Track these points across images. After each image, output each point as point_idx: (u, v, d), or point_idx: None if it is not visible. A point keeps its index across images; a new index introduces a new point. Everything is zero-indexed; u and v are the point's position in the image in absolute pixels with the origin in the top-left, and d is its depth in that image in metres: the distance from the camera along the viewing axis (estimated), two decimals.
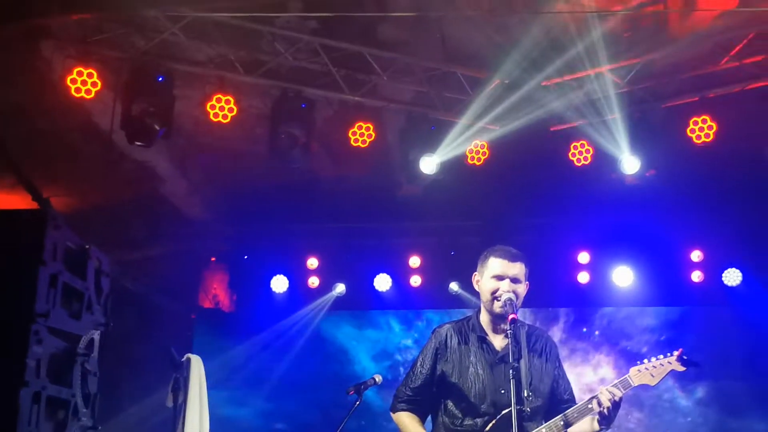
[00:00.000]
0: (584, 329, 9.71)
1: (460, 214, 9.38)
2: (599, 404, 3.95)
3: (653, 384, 4.08)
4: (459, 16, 6.78)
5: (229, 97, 7.00)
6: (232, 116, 7.02)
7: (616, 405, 3.94)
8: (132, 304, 8.69)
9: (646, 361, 4.12)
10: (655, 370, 4.08)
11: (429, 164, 7.58)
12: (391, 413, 4.40)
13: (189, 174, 9.11)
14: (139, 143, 6.81)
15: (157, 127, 6.69)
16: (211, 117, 7.00)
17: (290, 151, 7.29)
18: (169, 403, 5.10)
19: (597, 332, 9.69)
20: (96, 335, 4.20)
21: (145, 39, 6.91)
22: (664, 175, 7.74)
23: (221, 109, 6.98)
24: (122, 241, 8.68)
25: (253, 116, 7.86)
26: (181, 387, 4.16)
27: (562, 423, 3.98)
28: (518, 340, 4.14)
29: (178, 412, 5.88)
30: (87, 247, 4.22)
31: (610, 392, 3.93)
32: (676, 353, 4.10)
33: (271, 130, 7.32)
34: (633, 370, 4.10)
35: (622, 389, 3.98)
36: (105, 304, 4.41)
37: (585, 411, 4.01)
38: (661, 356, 4.12)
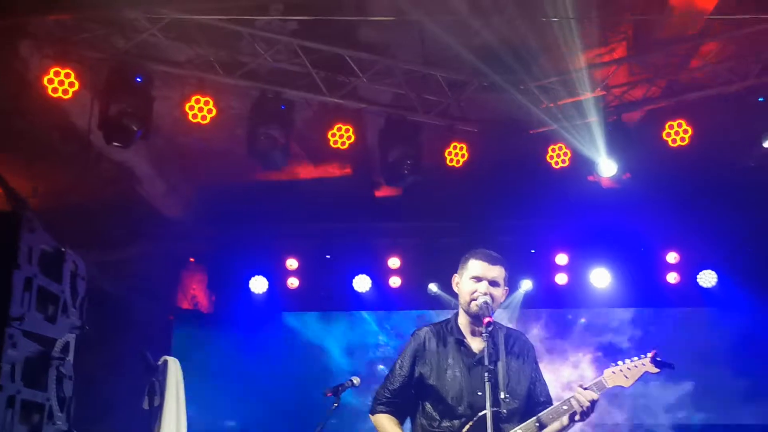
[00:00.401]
0: (562, 330, 9.79)
1: (439, 215, 9.41)
2: (575, 406, 3.99)
3: (627, 385, 4.12)
4: (438, 19, 6.80)
5: (208, 98, 6.97)
6: (211, 117, 6.99)
7: (591, 406, 3.99)
8: (110, 306, 8.63)
9: (620, 362, 4.17)
10: (629, 371, 4.13)
11: None
12: (370, 415, 4.42)
13: (167, 175, 9.08)
14: (116, 144, 6.76)
15: (135, 128, 6.65)
16: (190, 118, 6.97)
17: (269, 152, 7.27)
18: (146, 406, 5.08)
19: (575, 333, 9.78)
20: (71, 339, 4.17)
21: (124, 39, 6.87)
22: (640, 178, 7.82)
23: (200, 110, 6.95)
24: (100, 242, 8.62)
25: (232, 117, 7.84)
26: (156, 390, 4.13)
27: (536, 425, 4.02)
28: (496, 343, 4.19)
29: (154, 415, 5.87)
30: (63, 249, 4.19)
31: (588, 394, 3.97)
32: (649, 355, 4.14)
33: (250, 131, 7.30)
34: (607, 371, 4.15)
35: (597, 391, 4.03)
36: (81, 307, 4.38)
37: (560, 413, 4.05)
38: (636, 358, 4.17)
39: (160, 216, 9.68)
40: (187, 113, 6.96)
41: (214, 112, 6.98)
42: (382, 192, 9.07)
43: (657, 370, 4.12)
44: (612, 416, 9.43)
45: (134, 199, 9.11)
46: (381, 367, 9.67)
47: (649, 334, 9.32)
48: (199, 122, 6.98)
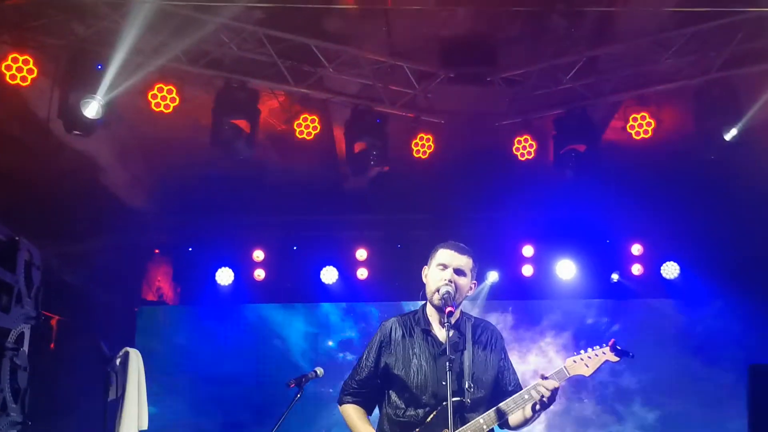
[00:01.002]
0: (528, 320, 9.87)
1: (406, 207, 9.41)
2: (535, 396, 4.02)
3: (588, 374, 4.17)
4: (405, 9, 6.78)
5: (171, 87, 6.88)
6: (174, 106, 6.91)
7: (552, 395, 4.02)
8: (72, 298, 8.51)
9: (582, 352, 4.21)
10: (589, 360, 4.17)
11: None
12: (338, 406, 4.44)
13: (131, 165, 8.93)
14: (77, 133, 6.64)
15: (95, 117, 6.52)
16: (153, 107, 6.88)
17: (234, 143, 7.20)
18: (112, 396, 5.01)
19: (540, 324, 9.86)
20: (26, 329, 4.09)
21: (83, 26, 6.73)
22: (605, 171, 7.89)
23: (163, 98, 6.86)
24: (62, 233, 8.48)
25: (196, 107, 7.72)
26: (113, 381, 4.08)
27: (495, 414, 4.05)
28: (462, 333, 4.21)
29: (115, 407, 5.79)
30: (17, 239, 4.10)
31: (549, 383, 4.00)
32: (609, 344, 4.19)
33: (214, 120, 7.22)
34: (569, 361, 4.19)
35: (558, 380, 4.06)
36: (36, 298, 4.29)
37: (521, 402, 4.08)
38: (597, 347, 4.22)
39: (124, 207, 9.53)
40: (150, 102, 6.87)
41: (178, 101, 6.89)
42: (350, 184, 9.03)
43: (617, 358, 4.17)
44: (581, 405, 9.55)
45: (97, 190, 8.96)
46: (350, 357, 9.65)
47: (613, 325, 9.42)
48: (162, 111, 6.89)
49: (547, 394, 3.97)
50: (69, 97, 6.51)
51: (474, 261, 4.28)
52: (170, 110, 6.91)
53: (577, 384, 9.17)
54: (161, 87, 6.86)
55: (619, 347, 4.16)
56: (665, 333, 9.52)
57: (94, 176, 8.70)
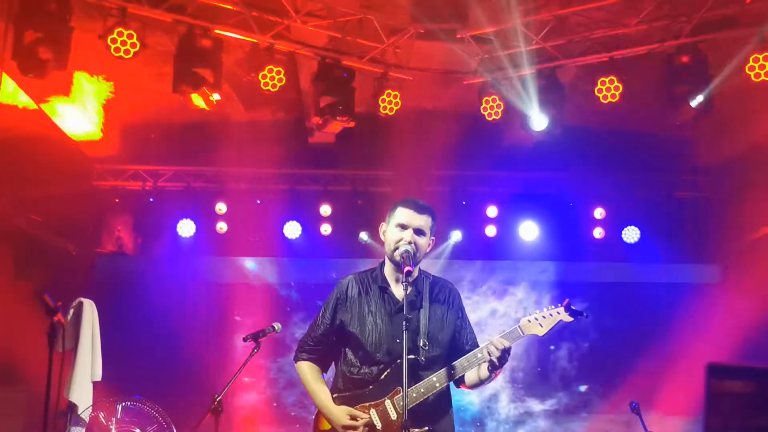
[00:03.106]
0: (489, 281, 9.94)
1: (371, 163, 9.34)
2: (486, 355, 4.04)
3: (542, 334, 4.18)
4: None
5: (131, 32, 6.65)
6: (134, 52, 6.66)
7: (504, 354, 4.03)
8: (26, 246, 8.34)
9: (537, 311, 4.22)
10: (544, 320, 4.18)
11: None
12: (294, 362, 4.42)
13: (91, 112, 8.69)
14: (32, 75, 6.40)
15: (51, 60, 6.29)
16: (113, 51, 6.64)
17: (197, 92, 7.02)
18: (59, 349, 4.92)
19: (502, 285, 9.94)
20: None
21: None
22: (571, 134, 7.89)
23: (123, 43, 6.61)
24: (16, 179, 8.27)
25: (159, 53, 7.51)
26: (58, 332, 4.01)
27: (448, 372, 4.06)
28: (420, 291, 4.20)
29: (68, 358, 5.71)
30: None
31: (499, 342, 4.01)
32: (563, 304, 4.20)
33: (176, 68, 7.01)
34: (523, 320, 4.20)
35: (511, 339, 4.08)
36: None
37: (474, 361, 4.09)
38: (552, 307, 4.23)
39: (83, 155, 9.32)
40: (110, 46, 6.63)
41: (138, 46, 6.65)
42: (315, 138, 8.91)
43: (571, 318, 4.19)
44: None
45: (56, 137, 8.73)
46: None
47: (572, 287, 9.52)
48: (122, 56, 6.66)
49: (497, 353, 3.99)
50: (23, 39, 6.25)
51: (433, 218, 4.24)
52: (130, 56, 6.67)
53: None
54: (121, 31, 6.61)
55: (573, 307, 4.18)
56: (623, 296, 9.69)
57: (52, 123, 8.46)
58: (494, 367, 4.07)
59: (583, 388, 9.83)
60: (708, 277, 9.71)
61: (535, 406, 9.83)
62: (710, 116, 7.17)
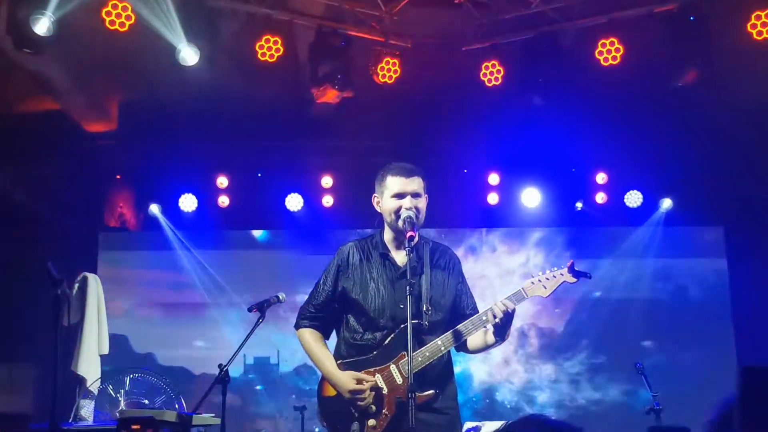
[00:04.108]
0: (493, 248, 9.94)
1: (372, 134, 9.28)
2: (490, 318, 4.06)
3: (545, 295, 4.22)
4: None
5: (126, 4, 6.58)
6: (129, 24, 6.60)
7: (508, 317, 4.06)
8: (30, 223, 8.36)
9: (540, 273, 4.25)
10: (547, 282, 4.22)
11: None
12: (295, 330, 4.45)
13: (89, 87, 8.64)
14: (27, 51, 6.35)
15: (46, 34, 6.23)
16: (107, 24, 6.58)
17: (193, 63, 6.96)
18: (65, 323, 4.95)
19: (505, 252, 9.94)
20: None
21: None
22: (572, 98, 7.84)
23: (118, 16, 6.54)
24: (18, 157, 8.26)
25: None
26: (64, 306, 4.02)
27: (453, 336, 4.08)
28: (420, 256, 4.22)
29: (74, 333, 5.75)
30: None
31: (503, 304, 4.03)
32: (567, 265, 4.22)
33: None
34: (527, 282, 4.24)
35: (515, 301, 4.10)
36: None
37: (479, 324, 4.12)
38: (555, 268, 4.26)
39: (83, 131, 9.29)
40: (104, 19, 6.57)
41: (133, 18, 6.58)
42: (314, 109, 8.85)
43: (574, 279, 4.21)
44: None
45: (55, 113, 8.69)
46: None
47: (576, 252, 9.51)
48: (117, 29, 6.59)
49: (500, 314, 4.01)
50: (17, 12, 6.19)
51: (423, 178, 4.26)
52: (126, 29, 6.61)
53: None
54: (115, 3, 6.54)
55: (577, 268, 4.20)
56: (626, 259, 9.70)
57: (51, 98, 8.43)
58: (498, 331, 4.09)
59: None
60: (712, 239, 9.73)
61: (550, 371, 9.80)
62: (715, 77, 7.10)
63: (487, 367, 9.60)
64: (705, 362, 9.08)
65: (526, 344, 9.71)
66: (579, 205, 9.68)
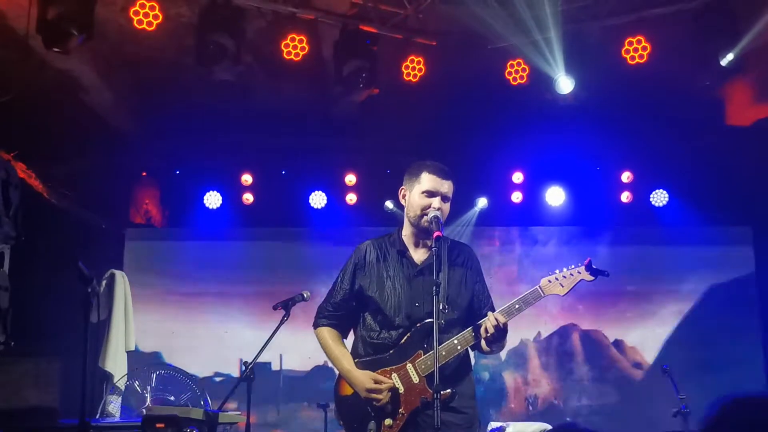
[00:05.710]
0: (515, 247, 9.90)
1: (396, 131, 9.27)
2: (485, 331, 4.04)
3: (563, 294, 4.18)
4: None
5: (153, 3, 6.63)
6: (157, 24, 6.66)
7: (500, 331, 4.01)
8: (57, 220, 8.45)
9: (557, 271, 4.21)
10: (564, 280, 4.18)
11: None
12: (313, 329, 4.46)
13: (116, 85, 8.71)
14: (56, 49, 6.41)
15: (75, 33, 6.29)
16: (135, 24, 6.64)
17: (219, 63, 7.00)
18: (93, 319, 5.01)
19: (528, 250, 9.90)
20: (6, 249, 4.03)
21: None
22: (597, 96, 7.77)
23: (145, 15, 6.60)
24: (45, 154, 8.35)
25: (181, 25, 7.48)
26: (93, 303, 4.06)
27: (472, 335, 4.08)
28: (439, 254, 4.20)
29: (102, 329, 5.81)
30: None
31: (495, 319, 3.99)
32: (584, 263, 4.17)
33: (198, 39, 7.00)
34: (543, 280, 4.21)
35: (532, 300, 4.09)
36: (15, 217, 4.22)
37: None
38: (572, 266, 4.21)
39: (109, 128, 9.36)
40: (132, 19, 6.63)
41: (161, 18, 6.64)
42: (339, 107, 8.86)
43: (592, 277, 4.16)
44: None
45: (82, 111, 8.77)
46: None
47: (600, 252, 9.44)
48: (144, 29, 6.66)
49: (491, 329, 3.97)
50: (47, 12, 6.26)
51: (454, 183, 4.25)
52: (153, 28, 6.66)
53: None
54: (143, 3, 6.60)
55: (594, 266, 4.15)
56: (651, 260, 9.61)
57: (78, 96, 8.51)
58: (489, 344, 4.06)
59: None
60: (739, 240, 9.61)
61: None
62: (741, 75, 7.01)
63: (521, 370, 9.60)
64: (733, 362, 8.97)
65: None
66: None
